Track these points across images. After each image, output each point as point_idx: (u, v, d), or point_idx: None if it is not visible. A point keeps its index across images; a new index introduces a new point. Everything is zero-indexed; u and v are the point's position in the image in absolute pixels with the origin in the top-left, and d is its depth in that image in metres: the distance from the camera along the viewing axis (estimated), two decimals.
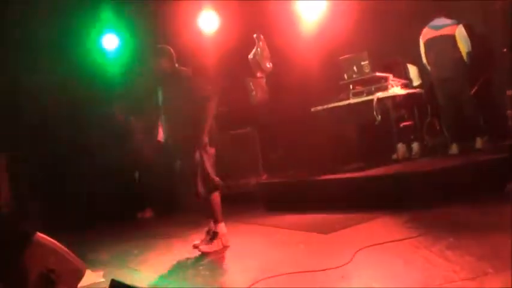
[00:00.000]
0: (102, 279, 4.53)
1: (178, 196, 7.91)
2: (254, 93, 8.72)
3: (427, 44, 6.85)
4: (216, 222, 5.11)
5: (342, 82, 7.11)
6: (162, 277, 4.48)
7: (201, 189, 5.00)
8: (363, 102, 6.78)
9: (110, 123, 8.53)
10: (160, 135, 5.45)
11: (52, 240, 3.38)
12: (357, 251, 3.99)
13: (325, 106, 7.15)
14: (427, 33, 6.85)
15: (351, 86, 7.05)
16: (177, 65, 5.21)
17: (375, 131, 6.93)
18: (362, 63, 6.85)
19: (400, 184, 5.53)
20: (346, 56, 7.07)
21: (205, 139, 4.99)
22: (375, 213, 5.19)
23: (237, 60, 8.64)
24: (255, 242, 5.34)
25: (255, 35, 8.50)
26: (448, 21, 6.70)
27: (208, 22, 8.95)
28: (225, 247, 5.08)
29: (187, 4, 8.65)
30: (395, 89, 6.79)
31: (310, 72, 7.84)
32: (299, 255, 4.46)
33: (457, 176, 5.43)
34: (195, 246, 5.15)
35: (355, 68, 6.92)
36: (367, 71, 6.81)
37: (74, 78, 8.12)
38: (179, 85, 5.06)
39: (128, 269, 4.95)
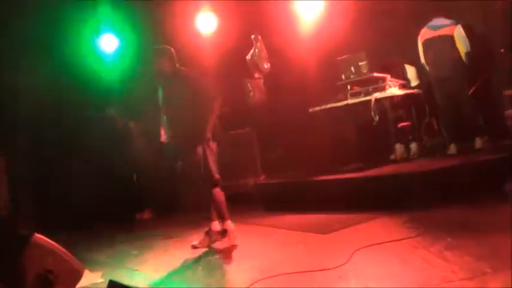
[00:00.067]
0: (101, 280, 4.53)
1: (178, 196, 7.93)
2: (252, 93, 8.73)
3: (426, 44, 6.85)
4: (223, 219, 5.15)
5: (339, 83, 7.12)
6: (161, 277, 4.48)
7: (216, 176, 5.08)
8: (360, 102, 6.79)
9: (109, 125, 8.52)
10: (163, 136, 5.46)
11: (50, 241, 3.39)
12: (355, 251, 3.99)
13: (323, 106, 7.16)
14: (425, 34, 6.85)
15: (349, 87, 7.05)
16: (177, 65, 5.24)
17: (373, 132, 6.93)
18: (360, 63, 6.87)
19: (399, 184, 5.53)
20: (344, 56, 7.08)
21: (209, 135, 5.04)
22: (373, 214, 5.19)
23: (235, 61, 8.64)
24: (254, 242, 5.34)
25: (252, 36, 8.51)
26: (446, 21, 6.69)
27: (206, 23, 8.95)
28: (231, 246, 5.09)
29: (185, 5, 8.64)
30: (393, 90, 6.80)
31: (308, 72, 7.86)
32: (298, 255, 4.47)
33: (456, 176, 5.43)
34: (194, 247, 5.17)
35: (352, 68, 6.93)
36: (364, 71, 6.82)
37: (73, 80, 8.11)
38: (182, 85, 5.09)
39: (126, 270, 4.95)
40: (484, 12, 7.08)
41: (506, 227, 3.81)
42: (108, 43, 8.92)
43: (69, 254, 3.44)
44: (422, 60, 6.98)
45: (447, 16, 6.73)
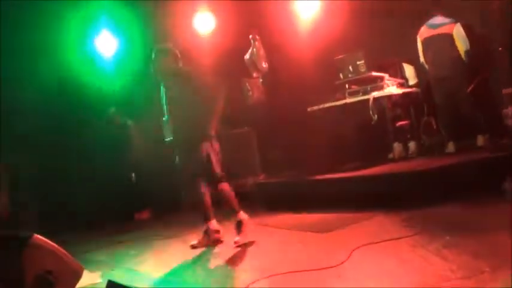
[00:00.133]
0: (100, 280, 4.53)
1: (177, 196, 7.93)
2: (250, 93, 8.72)
3: (425, 42, 6.85)
4: (236, 211, 5.16)
5: (337, 82, 7.13)
6: (160, 277, 4.48)
7: (220, 172, 5.09)
8: (359, 101, 6.81)
9: (108, 126, 8.51)
10: (166, 136, 5.46)
11: (49, 241, 3.39)
12: (354, 250, 4.00)
13: (322, 106, 7.17)
14: (424, 32, 6.85)
15: (347, 86, 7.07)
16: (181, 64, 5.25)
17: (371, 130, 6.94)
18: (358, 62, 6.87)
19: (397, 183, 5.55)
20: (342, 55, 7.09)
21: (213, 133, 5.06)
22: (371, 212, 5.20)
23: (233, 61, 8.64)
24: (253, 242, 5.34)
25: (250, 36, 8.50)
26: (445, 20, 6.69)
27: (204, 23, 8.95)
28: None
29: (183, 5, 8.64)
30: (391, 89, 6.81)
31: (306, 71, 7.86)
32: (296, 254, 4.47)
33: (454, 175, 5.44)
34: (193, 247, 5.18)
35: (350, 67, 6.94)
36: (362, 70, 6.83)
37: (71, 80, 8.10)
38: (186, 84, 5.09)
39: (125, 270, 4.94)
40: (482, 11, 7.08)
41: (504, 226, 3.82)
42: (106, 43, 8.90)
43: (69, 255, 3.44)
44: (422, 59, 6.97)
45: (445, 15, 6.73)
